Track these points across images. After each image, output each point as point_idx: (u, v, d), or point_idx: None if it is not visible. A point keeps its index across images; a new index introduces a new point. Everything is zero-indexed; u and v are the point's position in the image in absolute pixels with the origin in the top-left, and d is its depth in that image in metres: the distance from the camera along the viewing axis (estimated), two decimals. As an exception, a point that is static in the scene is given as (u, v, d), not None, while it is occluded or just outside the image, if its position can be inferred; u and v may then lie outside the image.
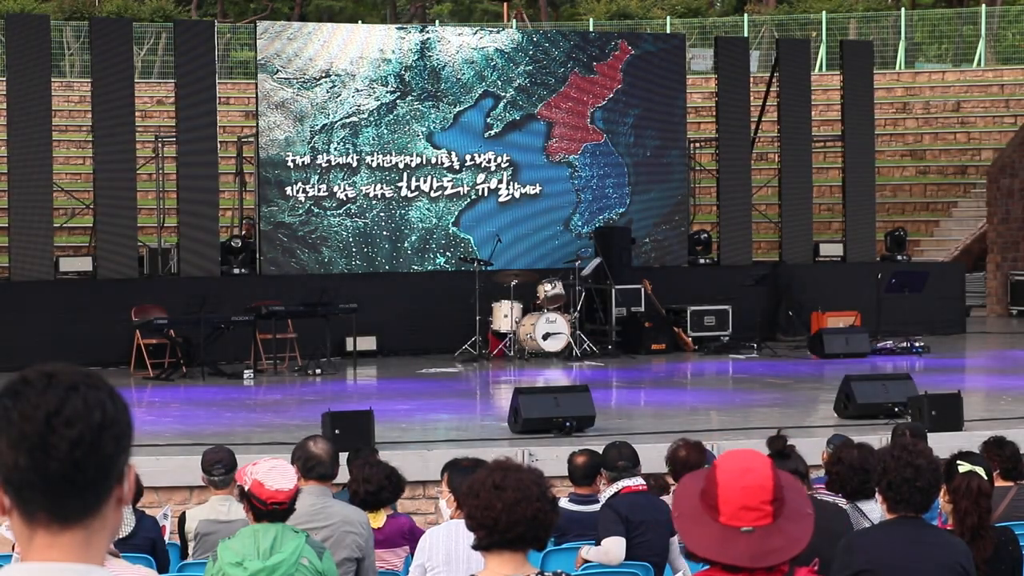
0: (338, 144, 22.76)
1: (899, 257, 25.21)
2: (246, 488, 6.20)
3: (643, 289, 22.49)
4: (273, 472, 6.21)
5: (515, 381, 18.56)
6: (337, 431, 12.68)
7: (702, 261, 24.45)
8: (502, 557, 4.08)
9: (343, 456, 11.22)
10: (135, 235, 21.38)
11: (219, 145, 22.68)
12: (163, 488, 12.36)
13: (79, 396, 2.26)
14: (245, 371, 19.56)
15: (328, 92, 22.69)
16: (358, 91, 22.87)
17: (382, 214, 22.95)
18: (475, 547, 4.14)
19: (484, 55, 23.63)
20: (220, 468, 8.69)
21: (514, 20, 44.00)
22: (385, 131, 23.03)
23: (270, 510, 6.15)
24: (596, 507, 8.47)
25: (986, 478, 6.41)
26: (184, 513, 8.96)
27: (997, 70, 35.48)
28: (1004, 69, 35.48)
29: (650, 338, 22.08)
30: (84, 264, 21.32)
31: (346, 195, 22.75)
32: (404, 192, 23.08)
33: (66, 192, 24.09)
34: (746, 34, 36.32)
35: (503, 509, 4.04)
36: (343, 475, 8.76)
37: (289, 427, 14.51)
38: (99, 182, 21.19)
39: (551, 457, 12.59)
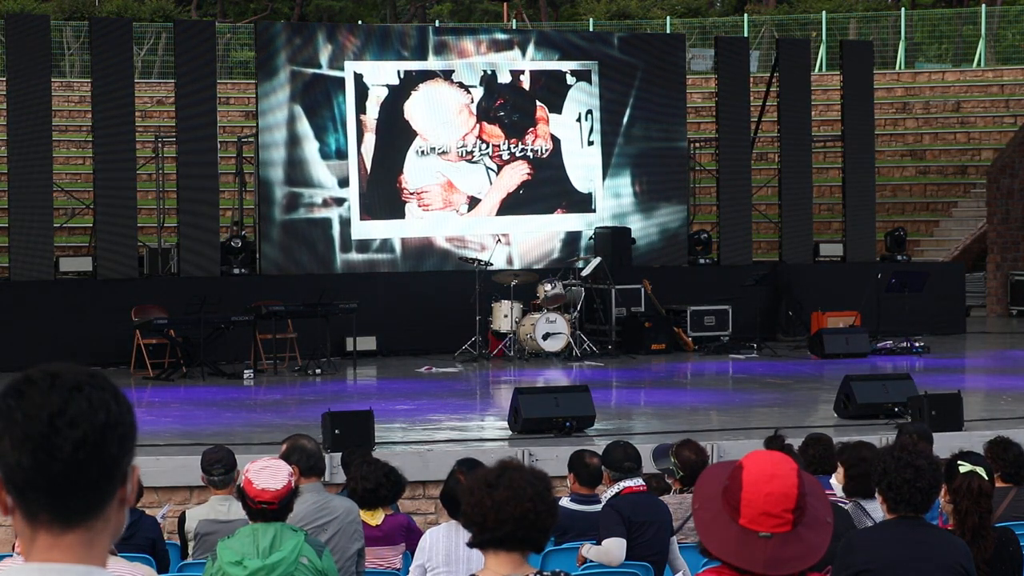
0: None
1: (899, 257, 25.19)
2: (241, 486, 6.22)
3: (643, 289, 22.48)
4: (264, 472, 6.17)
5: (515, 381, 18.54)
6: (337, 431, 12.68)
7: (702, 261, 24.41)
8: (499, 557, 4.09)
9: (338, 457, 11.25)
10: (135, 235, 21.36)
11: (219, 145, 22.68)
12: (163, 488, 12.36)
13: (83, 396, 2.26)
14: (245, 371, 19.55)
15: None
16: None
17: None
18: (469, 544, 4.16)
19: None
20: (220, 468, 8.69)
21: (514, 20, 43.96)
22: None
23: (258, 509, 6.11)
24: (597, 507, 8.47)
25: (987, 478, 6.40)
26: (184, 513, 8.96)
27: (997, 70, 35.45)
28: (1004, 69, 35.45)
29: (650, 338, 22.06)
30: (84, 264, 21.30)
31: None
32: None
33: (66, 192, 24.07)
34: (746, 34, 36.31)
35: (492, 507, 4.04)
36: (342, 475, 8.76)
37: (289, 427, 14.47)
38: (99, 182, 21.17)
39: (551, 457, 12.59)
